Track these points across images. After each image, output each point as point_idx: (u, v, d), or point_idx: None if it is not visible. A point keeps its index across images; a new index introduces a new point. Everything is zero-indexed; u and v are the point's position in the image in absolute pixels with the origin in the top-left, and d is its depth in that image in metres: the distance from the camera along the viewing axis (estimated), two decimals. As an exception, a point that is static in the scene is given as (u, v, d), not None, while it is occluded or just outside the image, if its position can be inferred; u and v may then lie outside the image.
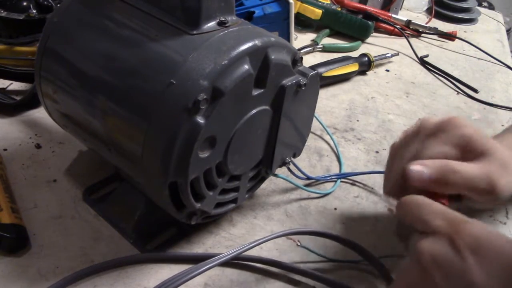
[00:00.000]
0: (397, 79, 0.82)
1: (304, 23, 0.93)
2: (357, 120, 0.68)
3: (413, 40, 0.97)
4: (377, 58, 0.82)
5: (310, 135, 0.57)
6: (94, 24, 0.41)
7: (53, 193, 0.48)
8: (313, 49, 0.86)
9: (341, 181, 0.56)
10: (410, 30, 0.99)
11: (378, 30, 0.98)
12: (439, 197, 0.39)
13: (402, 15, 1.02)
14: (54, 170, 0.51)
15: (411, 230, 0.36)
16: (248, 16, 0.73)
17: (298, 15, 0.91)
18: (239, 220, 0.48)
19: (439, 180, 0.38)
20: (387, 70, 0.85)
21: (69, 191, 0.48)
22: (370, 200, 0.54)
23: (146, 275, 0.41)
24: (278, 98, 0.42)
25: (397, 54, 0.88)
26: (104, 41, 0.40)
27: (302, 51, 0.84)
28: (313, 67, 0.71)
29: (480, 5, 1.49)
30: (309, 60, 0.81)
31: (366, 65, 0.81)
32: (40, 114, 0.58)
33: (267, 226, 0.48)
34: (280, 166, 0.48)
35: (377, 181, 0.56)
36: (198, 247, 0.45)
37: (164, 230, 0.46)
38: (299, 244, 0.46)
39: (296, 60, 0.43)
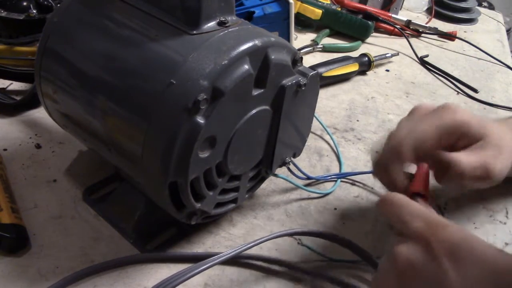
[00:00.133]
0: (397, 79, 0.82)
1: (304, 23, 0.93)
2: (357, 120, 0.68)
3: (413, 40, 0.97)
4: (377, 58, 0.82)
5: (310, 135, 0.57)
6: (94, 24, 0.41)
7: (53, 193, 0.48)
8: (313, 49, 0.86)
9: (341, 181, 0.56)
10: (410, 30, 0.99)
11: (378, 30, 0.98)
12: (423, 183, 0.39)
13: (402, 15, 1.02)
14: (54, 170, 0.51)
15: (390, 230, 0.36)
16: (248, 16, 0.73)
17: (298, 15, 0.91)
18: (239, 220, 0.48)
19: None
20: (387, 70, 0.85)
21: (69, 191, 0.48)
22: (370, 200, 0.54)
23: (146, 275, 0.41)
24: (278, 98, 0.42)
25: (397, 54, 0.88)
26: (104, 41, 0.40)
27: (302, 51, 0.84)
28: (313, 67, 0.71)
29: (480, 5, 1.49)
30: (309, 60, 0.81)
31: (366, 65, 0.81)
32: (40, 114, 0.58)
33: (267, 226, 0.48)
34: (280, 166, 0.48)
35: (377, 181, 0.56)
36: (198, 247, 0.45)
37: (164, 230, 0.46)
38: (299, 242, 0.46)
39: (296, 60, 0.43)
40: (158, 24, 0.39)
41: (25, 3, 0.67)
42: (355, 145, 0.63)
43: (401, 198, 0.36)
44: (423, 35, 1.01)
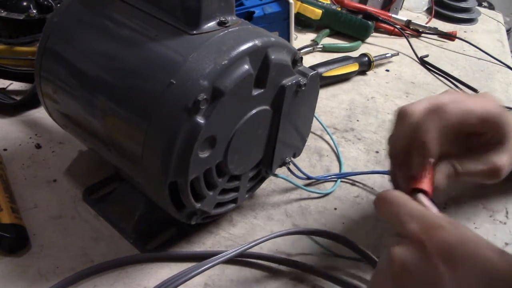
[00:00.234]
0: (397, 79, 0.82)
1: (304, 23, 0.93)
2: (357, 120, 0.68)
3: (413, 40, 0.97)
4: (377, 58, 0.82)
5: (310, 135, 0.57)
6: (94, 24, 0.41)
7: (53, 193, 0.48)
8: (313, 49, 0.86)
9: (341, 181, 0.56)
10: (410, 30, 0.99)
11: (378, 30, 0.98)
12: (426, 178, 0.38)
13: (402, 15, 1.02)
14: (54, 170, 0.51)
15: (387, 231, 0.35)
16: (248, 16, 0.73)
17: (298, 15, 0.91)
18: (239, 220, 0.48)
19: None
20: (387, 70, 0.85)
21: (69, 191, 0.48)
22: (370, 200, 0.54)
23: (146, 275, 0.41)
24: (278, 98, 0.42)
25: (397, 54, 0.88)
26: (104, 41, 0.40)
27: (302, 51, 0.84)
28: (313, 67, 0.71)
29: (480, 5, 1.49)
30: (309, 60, 0.81)
31: (366, 65, 0.81)
32: (40, 114, 0.58)
33: (267, 226, 0.48)
34: (280, 166, 0.48)
35: (377, 181, 0.56)
36: (198, 247, 0.45)
37: (164, 230, 0.46)
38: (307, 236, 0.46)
39: (296, 60, 0.43)
40: (158, 24, 0.39)
41: (25, 3, 0.67)
42: (355, 145, 0.63)
43: (399, 196, 0.35)
44: (423, 35, 1.01)
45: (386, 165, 0.59)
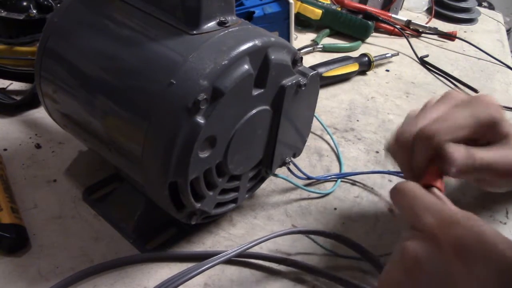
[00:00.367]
0: (397, 79, 0.82)
1: (304, 23, 0.93)
2: (357, 120, 0.68)
3: (413, 40, 0.97)
4: (377, 58, 0.82)
5: (310, 135, 0.57)
6: (94, 24, 0.41)
7: (53, 193, 0.48)
8: (313, 49, 0.86)
9: (341, 181, 0.56)
10: (410, 30, 0.99)
11: (378, 30, 0.98)
12: (437, 176, 0.37)
13: (402, 15, 1.02)
14: (54, 170, 0.51)
15: (402, 223, 0.35)
16: (248, 16, 0.73)
17: (298, 15, 0.91)
18: (239, 220, 0.48)
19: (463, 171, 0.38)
20: (387, 70, 0.85)
21: (69, 191, 0.48)
22: (370, 200, 0.54)
23: (146, 275, 0.41)
24: (278, 98, 0.42)
25: (397, 54, 0.88)
26: (104, 41, 0.40)
27: (302, 51, 0.84)
28: (313, 67, 0.71)
29: (480, 5, 1.49)
30: (309, 60, 0.81)
31: (366, 65, 0.81)
32: (40, 114, 0.58)
33: (267, 226, 0.48)
34: (280, 166, 0.48)
35: (377, 181, 0.56)
36: (198, 247, 0.45)
37: (164, 230, 0.46)
38: (307, 236, 0.46)
39: (296, 60, 0.43)
40: (158, 24, 0.39)
41: (25, 3, 0.67)
42: (355, 145, 0.63)
43: (416, 188, 0.34)
44: (423, 35, 1.01)
45: (386, 165, 0.59)
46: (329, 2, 0.96)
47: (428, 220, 0.31)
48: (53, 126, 0.52)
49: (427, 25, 1.00)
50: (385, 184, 0.56)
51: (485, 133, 0.40)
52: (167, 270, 0.42)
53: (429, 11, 1.13)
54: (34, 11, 0.67)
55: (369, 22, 0.92)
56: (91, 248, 0.43)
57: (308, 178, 0.52)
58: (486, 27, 1.13)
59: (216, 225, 0.47)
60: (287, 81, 0.41)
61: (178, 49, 0.37)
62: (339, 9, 0.94)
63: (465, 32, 1.07)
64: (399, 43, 0.95)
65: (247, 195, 0.47)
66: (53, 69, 0.43)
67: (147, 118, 0.36)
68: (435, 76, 0.85)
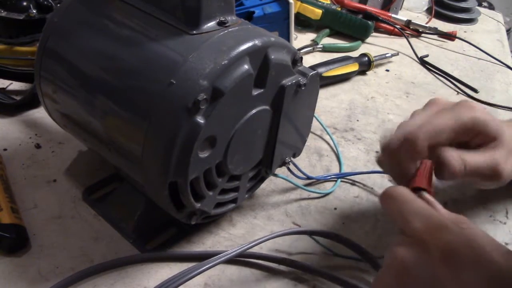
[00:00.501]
0: (397, 79, 0.82)
1: (304, 23, 0.93)
2: (357, 120, 0.68)
3: (413, 40, 0.97)
4: (377, 58, 0.82)
5: (310, 135, 0.57)
6: (94, 24, 0.41)
7: (53, 193, 0.48)
8: (313, 49, 0.86)
9: (341, 181, 0.56)
10: (410, 30, 0.99)
11: (378, 30, 0.98)
12: (425, 179, 0.38)
13: (402, 15, 1.02)
14: (54, 170, 0.51)
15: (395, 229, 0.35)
16: (248, 16, 0.73)
17: (298, 15, 0.91)
18: (239, 220, 0.48)
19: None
20: (387, 70, 0.85)
21: (69, 191, 0.48)
22: (370, 200, 0.54)
23: (146, 275, 0.41)
24: (278, 98, 0.42)
25: (397, 54, 0.88)
26: (104, 41, 0.40)
27: (302, 51, 0.84)
28: (313, 67, 0.71)
29: (480, 5, 1.49)
30: (309, 60, 0.81)
31: (366, 65, 0.81)
32: (40, 114, 0.58)
33: (267, 226, 0.48)
34: (280, 166, 0.48)
35: (377, 181, 0.56)
36: (198, 247, 0.45)
37: (164, 230, 0.46)
38: (309, 236, 0.46)
39: (296, 60, 0.43)
40: (158, 24, 0.39)
41: (25, 3, 0.67)
42: (355, 145, 0.63)
43: (404, 193, 0.34)
44: (423, 35, 1.01)
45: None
46: (329, 2, 0.96)
47: (417, 225, 0.31)
48: (53, 126, 0.52)
49: (427, 25, 1.00)
50: (385, 184, 0.56)
51: (472, 136, 0.41)
52: (167, 270, 0.42)
53: (429, 11, 1.13)
54: (34, 11, 0.67)
55: (369, 22, 0.92)
56: (91, 248, 0.43)
57: (308, 178, 0.52)
58: (486, 27, 1.13)
59: (216, 225, 0.47)
60: (287, 81, 0.41)
61: (178, 49, 0.37)
62: (339, 9, 0.94)
63: (465, 32, 1.07)
64: (399, 43, 0.95)
65: (247, 195, 0.47)
66: (53, 69, 0.43)
67: (147, 118, 0.36)
68: (435, 76, 0.85)
